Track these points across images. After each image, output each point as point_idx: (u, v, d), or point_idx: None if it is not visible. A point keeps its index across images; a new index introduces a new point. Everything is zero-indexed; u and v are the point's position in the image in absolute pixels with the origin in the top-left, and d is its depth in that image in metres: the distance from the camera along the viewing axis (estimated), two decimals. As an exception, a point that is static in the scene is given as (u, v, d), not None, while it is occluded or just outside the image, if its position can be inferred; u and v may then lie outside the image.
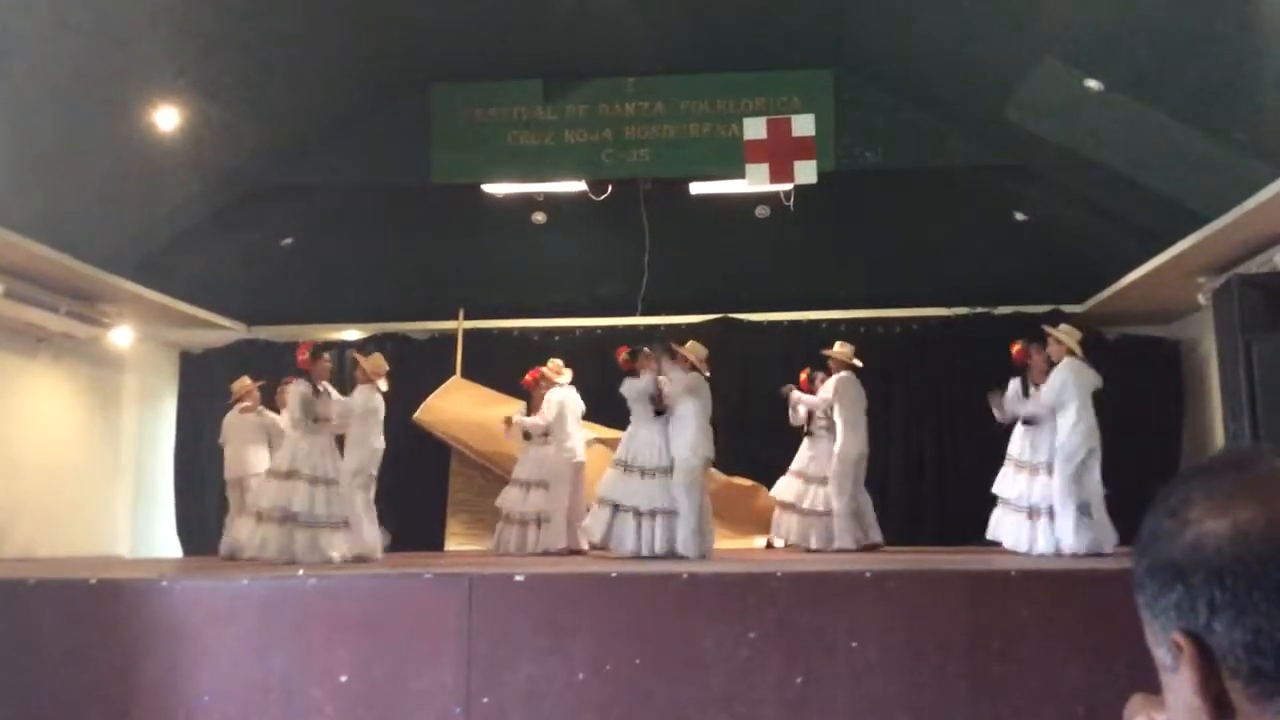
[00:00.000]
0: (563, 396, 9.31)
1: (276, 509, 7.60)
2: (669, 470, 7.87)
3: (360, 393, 8.18)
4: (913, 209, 10.85)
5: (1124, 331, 11.22)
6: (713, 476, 9.96)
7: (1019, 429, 8.03)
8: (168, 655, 5.19)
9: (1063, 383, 7.65)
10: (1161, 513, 0.95)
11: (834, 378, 9.14)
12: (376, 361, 8.41)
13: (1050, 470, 7.64)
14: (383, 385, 8.26)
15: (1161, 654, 0.94)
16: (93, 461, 10.88)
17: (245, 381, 9.61)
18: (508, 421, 9.45)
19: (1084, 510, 7.39)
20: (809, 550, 8.95)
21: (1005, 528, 7.92)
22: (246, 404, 9.50)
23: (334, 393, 8.22)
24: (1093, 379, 7.66)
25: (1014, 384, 8.03)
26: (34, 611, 5.40)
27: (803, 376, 9.66)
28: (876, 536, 8.95)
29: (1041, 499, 7.69)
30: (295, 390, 8.00)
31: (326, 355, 8.57)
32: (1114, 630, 4.80)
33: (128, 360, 11.30)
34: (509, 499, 9.33)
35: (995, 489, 8.05)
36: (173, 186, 9.41)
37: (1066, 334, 7.87)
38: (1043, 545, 7.54)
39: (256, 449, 9.37)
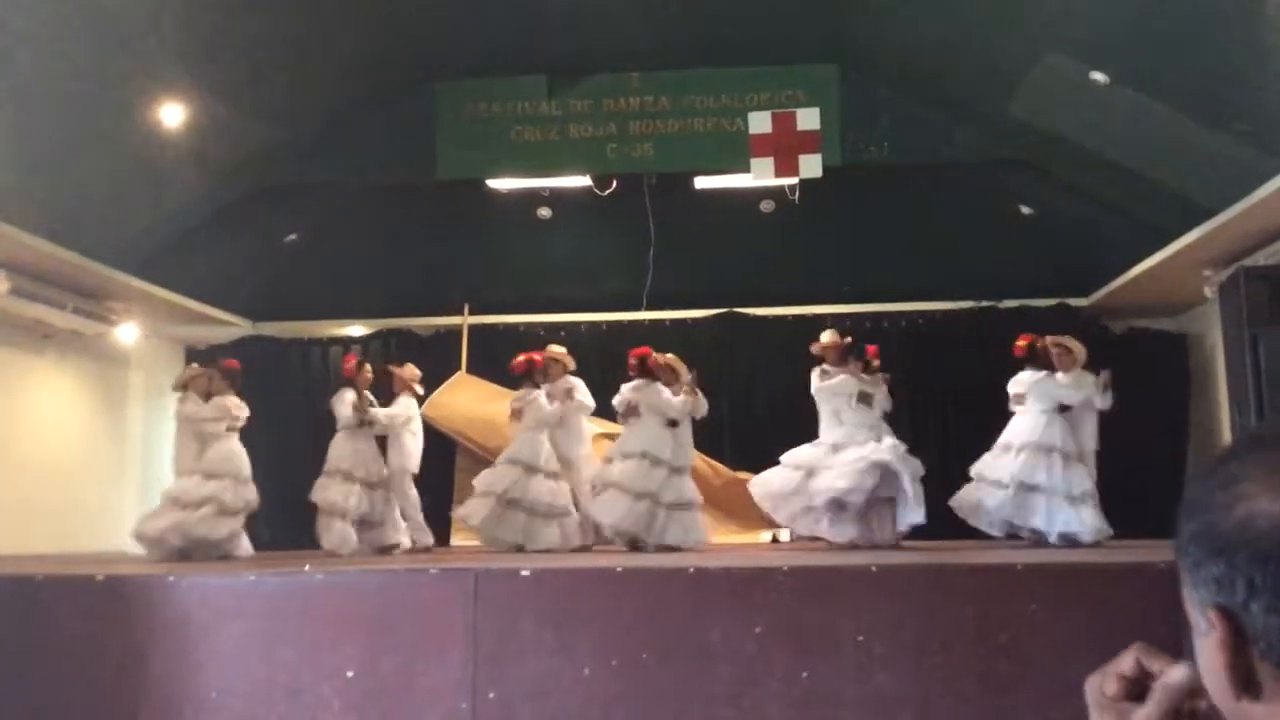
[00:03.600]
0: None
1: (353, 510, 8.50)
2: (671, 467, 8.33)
3: (401, 401, 9.10)
4: (918, 203, 10.83)
5: (1130, 325, 11.19)
6: (718, 471, 9.97)
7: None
8: (175, 651, 5.20)
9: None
10: (1215, 481, 0.93)
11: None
12: (411, 371, 9.33)
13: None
14: (418, 390, 9.35)
15: (1196, 616, 0.93)
16: (98, 458, 10.89)
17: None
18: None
19: None
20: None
21: None
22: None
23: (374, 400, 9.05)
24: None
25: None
26: (41, 608, 5.41)
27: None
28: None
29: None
30: (344, 397, 8.81)
31: (368, 365, 9.33)
32: (1122, 624, 4.80)
33: (133, 357, 11.31)
34: None
35: None
36: (178, 184, 9.42)
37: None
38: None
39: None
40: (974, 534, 8.27)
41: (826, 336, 8.85)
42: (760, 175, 9.12)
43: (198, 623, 5.27)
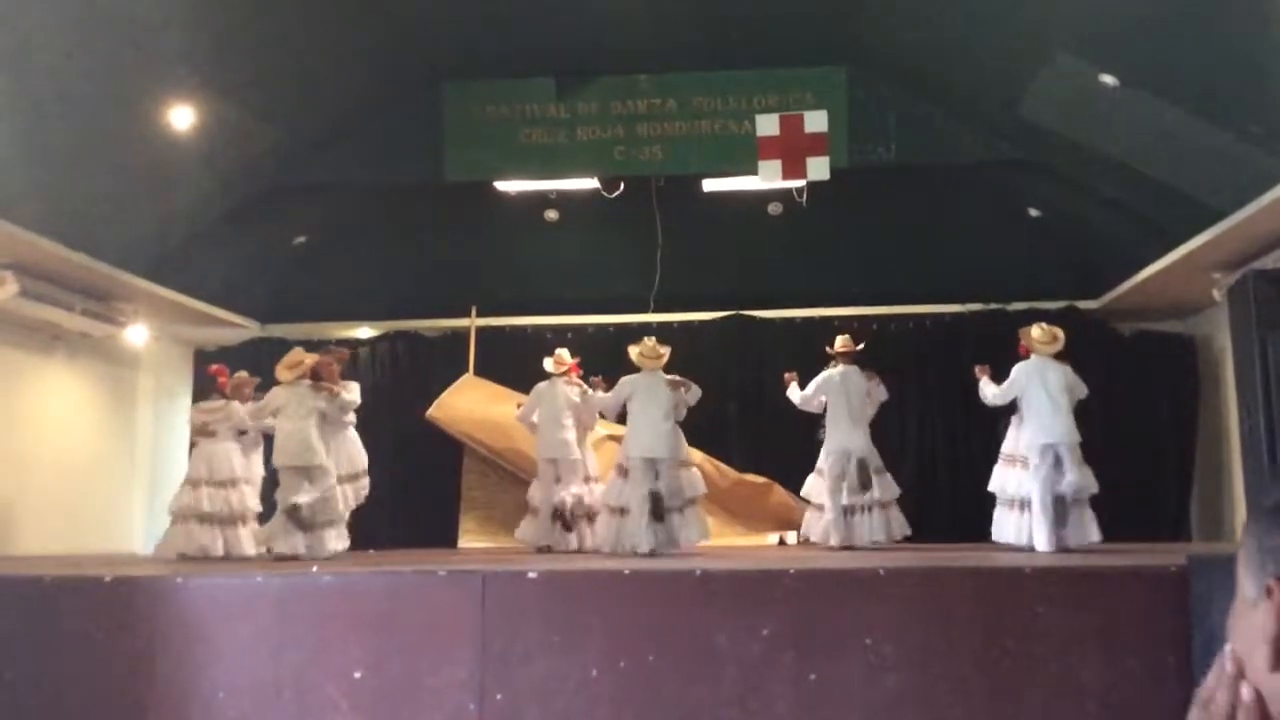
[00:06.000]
0: (540, 389, 9.18)
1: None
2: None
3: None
4: (926, 205, 10.83)
5: (1139, 327, 11.18)
6: (725, 474, 9.97)
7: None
8: (183, 652, 5.21)
9: (1012, 379, 7.95)
10: None
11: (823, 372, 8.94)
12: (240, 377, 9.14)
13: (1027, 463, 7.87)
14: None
15: (1249, 585, 0.93)
16: (108, 459, 10.93)
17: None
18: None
19: (1042, 506, 7.57)
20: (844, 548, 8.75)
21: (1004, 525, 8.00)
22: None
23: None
24: (1054, 377, 7.76)
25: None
26: (50, 608, 5.43)
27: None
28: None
29: (1020, 491, 7.88)
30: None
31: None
32: (1129, 628, 4.79)
33: (142, 358, 11.36)
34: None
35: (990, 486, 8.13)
36: (187, 185, 9.45)
37: (1036, 332, 8.05)
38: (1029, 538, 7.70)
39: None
40: (981, 536, 8.25)
41: (841, 341, 8.93)
42: (768, 177, 9.12)
43: (206, 623, 5.28)
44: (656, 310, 11.21)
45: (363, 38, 9.45)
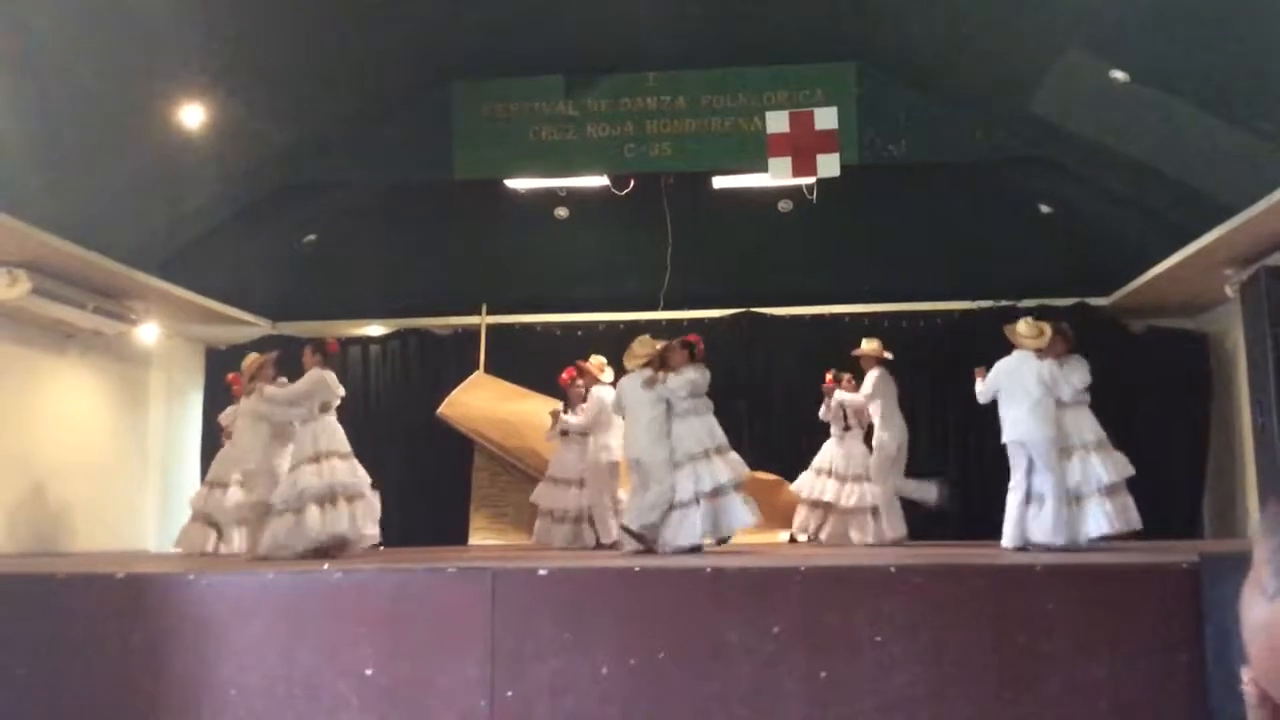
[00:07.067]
0: (607, 395, 9.15)
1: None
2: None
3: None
4: (936, 202, 10.80)
5: (1151, 324, 11.12)
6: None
7: None
8: (194, 649, 5.23)
9: (991, 375, 7.76)
10: None
11: (871, 374, 9.10)
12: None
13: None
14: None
15: (1272, 582, 0.92)
16: (120, 457, 10.96)
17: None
18: (554, 415, 9.45)
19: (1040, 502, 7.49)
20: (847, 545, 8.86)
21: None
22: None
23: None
24: (1029, 372, 7.53)
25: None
26: (62, 605, 5.45)
27: (829, 376, 9.57)
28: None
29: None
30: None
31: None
32: (1141, 625, 4.77)
33: (154, 356, 11.39)
34: (544, 496, 9.38)
35: None
36: (198, 184, 9.47)
37: (1021, 327, 7.81)
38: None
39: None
40: (992, 534, 8.22)
41: (876, 345, 9.05)
42: (778, 175, 9.11)
43: (217, 620, 5.30)
44: (666, 308, 11.20)
45: (372, 37, 9.46)
